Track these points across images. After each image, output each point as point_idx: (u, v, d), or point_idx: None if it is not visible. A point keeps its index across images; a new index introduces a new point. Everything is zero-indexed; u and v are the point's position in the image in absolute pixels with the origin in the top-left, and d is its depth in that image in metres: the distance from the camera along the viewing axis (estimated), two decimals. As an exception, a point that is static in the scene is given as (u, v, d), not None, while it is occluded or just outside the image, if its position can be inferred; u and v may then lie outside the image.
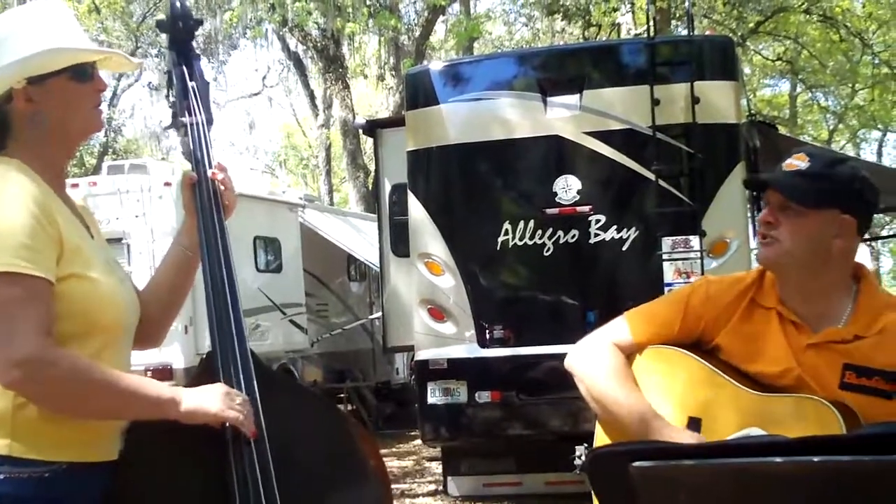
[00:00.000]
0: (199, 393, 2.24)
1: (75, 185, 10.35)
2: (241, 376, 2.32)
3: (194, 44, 2.75)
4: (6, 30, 2.35)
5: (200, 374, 2.40)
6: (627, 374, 2.47)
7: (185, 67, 2.65)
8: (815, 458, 1.46)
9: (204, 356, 2.43)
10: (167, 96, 2.69)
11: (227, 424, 2.24)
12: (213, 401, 2.22)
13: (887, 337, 2.32)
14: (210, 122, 2.61)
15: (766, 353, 2.38)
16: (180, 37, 2.68)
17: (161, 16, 3.19)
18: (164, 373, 9.92)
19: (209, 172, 2.53)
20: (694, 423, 2.37)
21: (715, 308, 2.47)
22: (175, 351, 10.40)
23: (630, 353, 2.51)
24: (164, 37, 2.77)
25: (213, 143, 2.61)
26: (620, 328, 2.55)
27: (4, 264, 2.09)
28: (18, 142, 2.31)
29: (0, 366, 2.09)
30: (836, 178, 2.33)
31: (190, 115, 2.59)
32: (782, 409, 2.27)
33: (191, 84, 2.63)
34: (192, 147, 2.57)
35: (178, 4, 2.69)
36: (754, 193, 8.79)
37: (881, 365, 2.28)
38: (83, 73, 2.34)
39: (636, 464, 1.57)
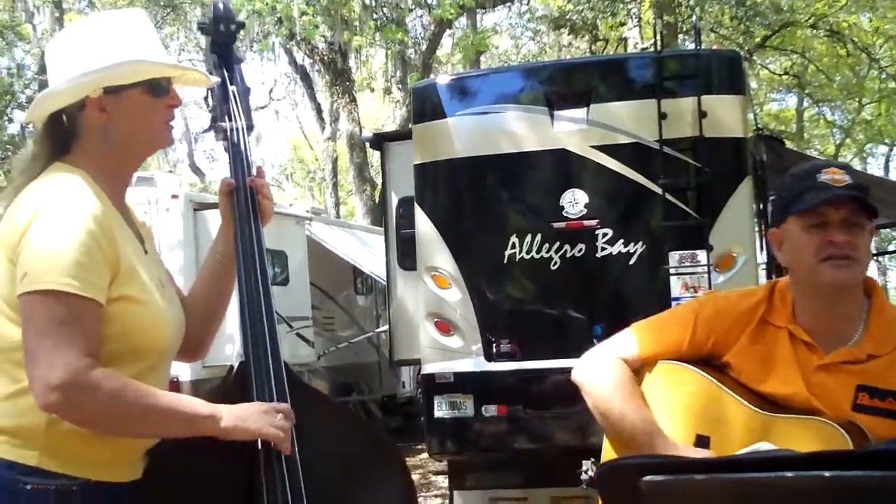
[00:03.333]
0: (238, 410, 2.22)
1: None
2: (274, 387, 2.30)
3: (235, 47, 2.70)
4: (87, 37, 2.33)
5: (231, 383, 2.38)
6: (634, 389, 2.44)
7: (225, 71, 2.61)
8: (826, 473, 1.45)
9: (235, 366, 2.40)
10: (206, 99, 2.65)
11: (260, 441, 2.22)
12: (252, 418, 2.21)
13: None
14: (250, 127, 2.57)
15: (776, 374, 2.35)
16: (222, 40, 2.64)
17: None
18: (170, 386, 9.87)
19: (248, 179, 2.50)
20: (702, 441, 2.35)
21: (724, 324, 2.44)
22: (181, 363, 10.37)
23: (636, 368, 2.49)
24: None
25: (252, 150, 2.57)
26: (627, 342, 2.52)
27: (53, 283, 2.08)
28: (85, 150, 2.29)
29: (39, 388, 2.07)
30: (867, 188, 2.30)
31: (230, 119, 2.55)
32: (791, 431, 2.24)
33: (231, 88, 2.59)
34: (230, 153, 2.53)
35: (220, 6, 2.65)
36: (761, 207, 8.79)
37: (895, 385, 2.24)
38: (159, 88, 2.33)
39: (647, 478, 1.56)
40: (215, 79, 2.60)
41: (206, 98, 2.66)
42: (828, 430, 2.18)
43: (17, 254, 2.13)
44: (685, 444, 2.33)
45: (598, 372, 2.49)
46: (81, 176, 2.24)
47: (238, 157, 2.52)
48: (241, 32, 2.73)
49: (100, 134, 2.28)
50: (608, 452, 2.50)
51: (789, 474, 1.49)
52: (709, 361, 2.45)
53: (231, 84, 2.60)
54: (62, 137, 2.30)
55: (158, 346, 2.29)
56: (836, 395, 2.28)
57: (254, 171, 2.53)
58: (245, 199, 2.48)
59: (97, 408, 2.11)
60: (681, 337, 2.46)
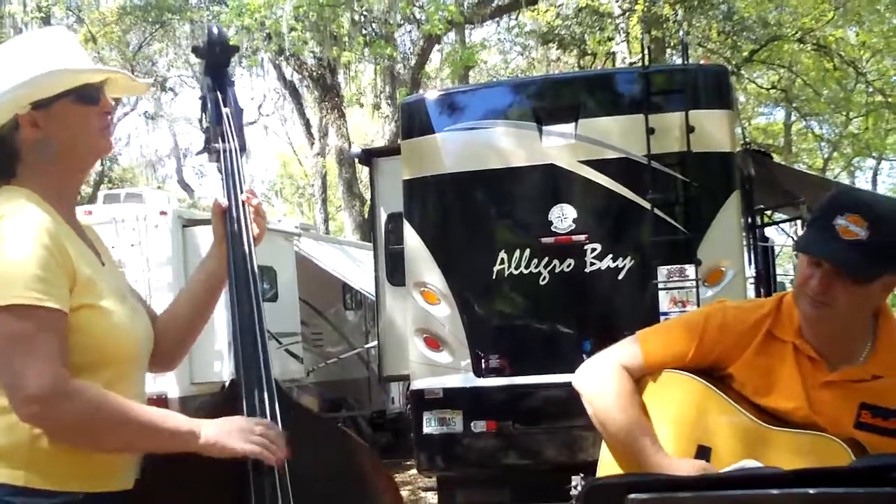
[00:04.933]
0: (218, 425, 2.22)
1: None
2: (266, 406, 2.29)
3: (229, 70, 2.73)
4: (8, 58, 2.34)
5: (223, 402, 2.38)
6: (635, 400, 2.41)
7: (219, 93, 2.64)
8: (811, 490, 1.45)
9: (227, 384, 2.40)
10: (200, 121, 2.67)
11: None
12: (231, 435, 2.20)
13: None
14: (243, 148, 2.60)
15: (779, 388, 2.34)
16: (216, 62, 2.67)
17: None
18: (158, 402, 9.84)
19: (241, 199, 2.52)
20: (703, 452, 2.33)
21: (731, 336, 2.41)
22: (170, 380, 10.34)
23: (639, 377, 2.46)
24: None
25: (246, 171, 2.59)
26: (632, 350, 2.49)
27: (18, 297, 2.08)
28: (29, 169, 2.30)
29: (18, 400, 2.07)
30: (883, 248, 2.17)
31: (223, 141, 2.58)
32: (795, 446, 2.23)
33: (225, 110, 2.62)
34: (223, 173, 2.55)
35: (215, 30, 2.69)
36: (749, 221, 8.81)
37: None
38: (88, 96, 2.33)
39: (632, 496, 1.56)
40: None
41: (200, 120, 2.67)
42: (833, 446, 2.18)
43: None
44: (684, 459, 2.31)
45: (600, 381, 2.46)
46: (27, 195, 2.24)
47: (231, 179, 2.54)
48: (235, 56, 2.75)
49: (38, 150, 2.29)
50: (606, 462, 2.47)
51: (774, 491, 1.49)
52: (711, 372, 2.42)
53: (225, 106, 2.62)
54: (4, 161, 2.31)
55: (124, 353, 2.29)
56: (838, 413, 2.27)
57: (246, 191, 2.54)
58: (238, 220, 2.49)
59: (77, 417, 2.10)
60: (687, 346, 2.43)
